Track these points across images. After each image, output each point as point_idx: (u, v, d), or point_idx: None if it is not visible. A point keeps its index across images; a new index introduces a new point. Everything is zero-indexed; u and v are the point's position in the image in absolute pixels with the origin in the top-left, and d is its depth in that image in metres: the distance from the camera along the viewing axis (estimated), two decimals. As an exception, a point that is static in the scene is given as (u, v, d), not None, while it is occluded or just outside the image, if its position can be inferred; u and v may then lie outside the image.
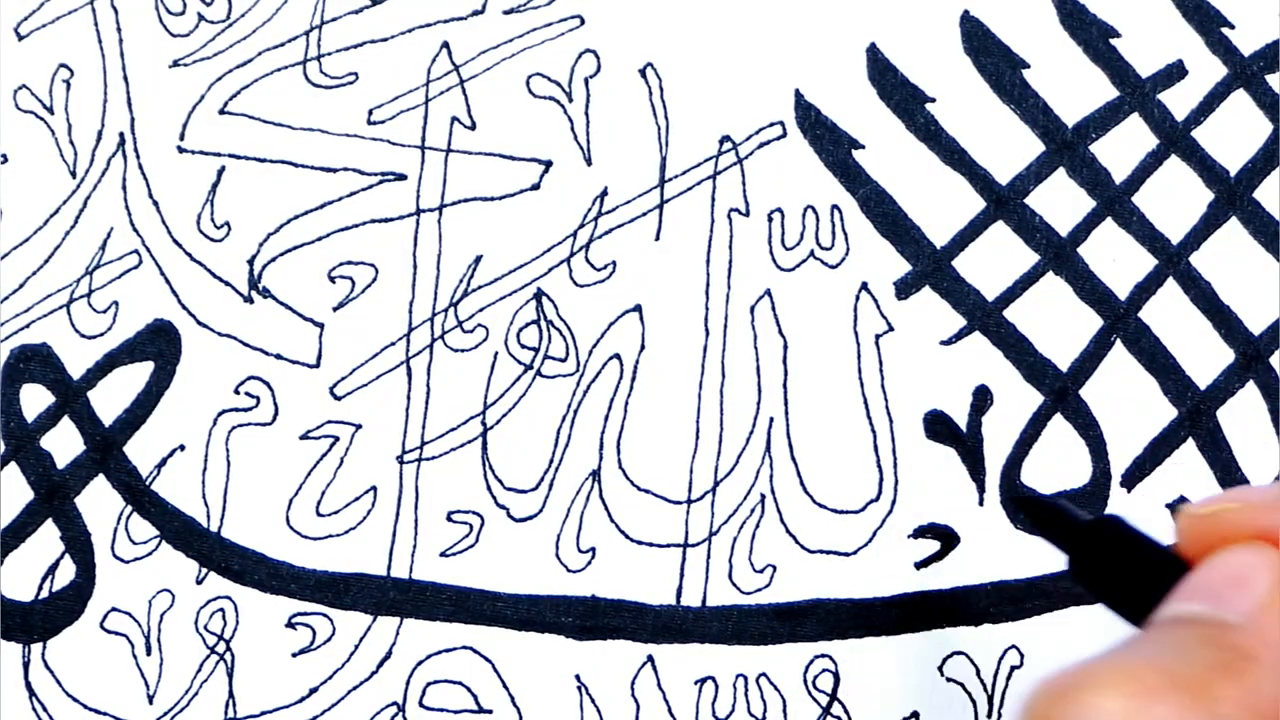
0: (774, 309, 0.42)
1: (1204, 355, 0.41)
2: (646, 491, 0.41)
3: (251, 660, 0.41)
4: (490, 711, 0.41)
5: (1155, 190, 0.42)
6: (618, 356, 0.42)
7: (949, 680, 0.41)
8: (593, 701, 0.40)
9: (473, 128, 0.43)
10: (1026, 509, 0.39)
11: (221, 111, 0.43)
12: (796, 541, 0.41)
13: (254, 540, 0.42)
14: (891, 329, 0.42)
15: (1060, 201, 0.42)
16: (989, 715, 0.40)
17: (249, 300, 0.43)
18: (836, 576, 0.41)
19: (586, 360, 0.42)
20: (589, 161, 0.43)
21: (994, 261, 0.42)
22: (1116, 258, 0.42)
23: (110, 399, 0.43)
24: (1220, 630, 0.27)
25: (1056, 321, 0.42)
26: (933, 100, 0.42)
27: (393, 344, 0.42)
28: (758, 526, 0.41)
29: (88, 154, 0.44)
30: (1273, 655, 0.27)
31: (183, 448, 0.42)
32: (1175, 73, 0.42)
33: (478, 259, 0.42)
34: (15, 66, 0.44)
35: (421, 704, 0.41)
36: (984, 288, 0.42)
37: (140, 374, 0.43)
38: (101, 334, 0.43)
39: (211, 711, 0.41)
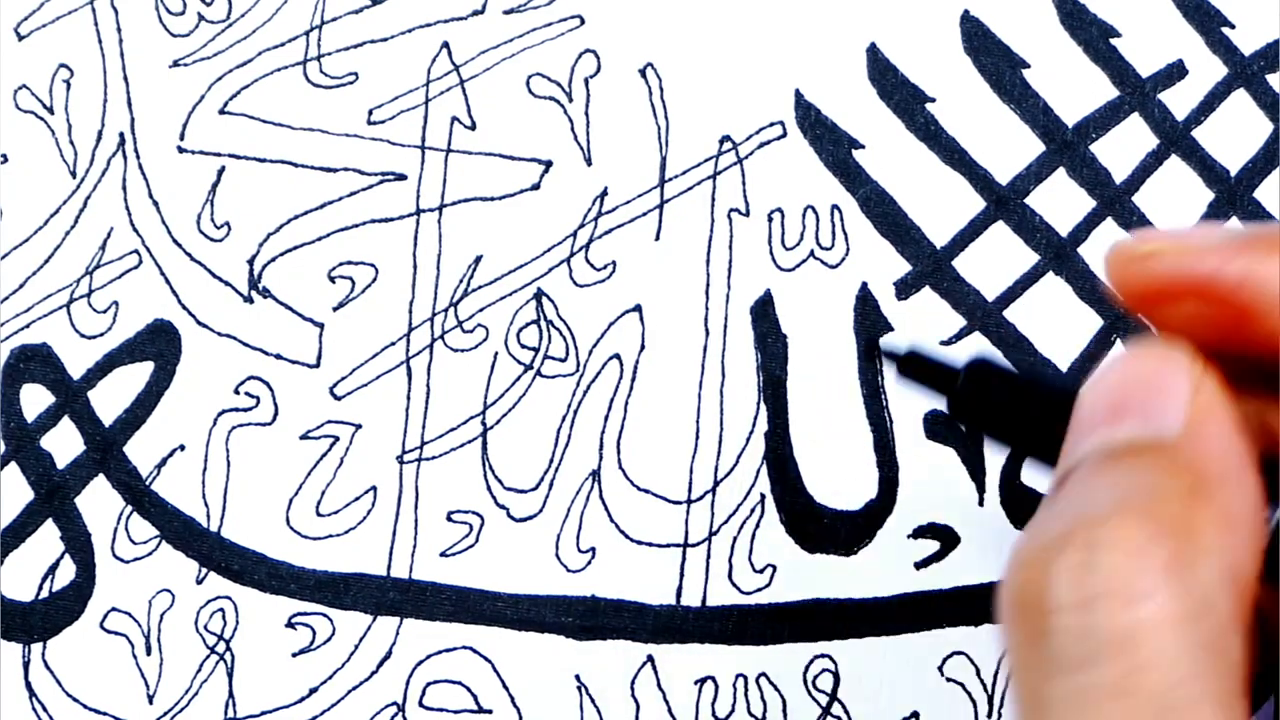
0: (774, 309, 0.42)
1: (1204, 355, 0.41)
2: (646, 491, 0.41)
3: (251, 660, 0.41)
4: (490, 711, 0.41)
5: (1155, 190, 0.42)
6: (618, 356, 0.42)
7: (949, 680, 0.40)
8: (593, 701, 0.40)
9: (473, 128, 0.43)
10: (896, 361, 0.32)
11: (221, 111, 0.43)
12: (796, 541, 0.41)
13: (254, 540, 0.42)
14: (891, 329, 0.42)
15: (1060, 201, 0.42)
16: (989, 715, 0.40)
17: (249, 300, 0.43)
18: (836, 576, 0.41)
19: (586, 360, 0.42)
20: (589, 161, 0.43)
21: (994, 261, 0.42)
22: (1116, 258, 0.42)
23: (110, 399, 0.43)
24: (1170, 453, 0.24)
25: (1056, 321, 0.41)
26: (933, 100, 0.42)
27: (393, 344, 0.42)
28: (758, 526, 0.41)
29: (88, 154, 0.44)
30: (1221, 467, 0.24)
31: (183, 448, 0.42)
32: (1175, 73, 0.42)
33: (478, 259, 0.42)
34: (15, 66, 0.44)
35: (421, 704, 0.41)
36: (984, 288, 0.42)
37: (140, 374, 0.43)
38: (101, 334, 0.43)
39: (211, 711, 0.41)
